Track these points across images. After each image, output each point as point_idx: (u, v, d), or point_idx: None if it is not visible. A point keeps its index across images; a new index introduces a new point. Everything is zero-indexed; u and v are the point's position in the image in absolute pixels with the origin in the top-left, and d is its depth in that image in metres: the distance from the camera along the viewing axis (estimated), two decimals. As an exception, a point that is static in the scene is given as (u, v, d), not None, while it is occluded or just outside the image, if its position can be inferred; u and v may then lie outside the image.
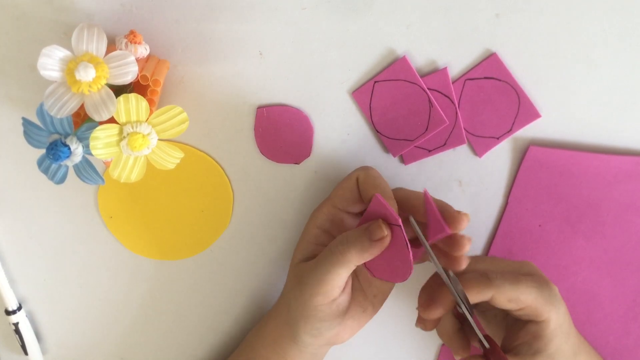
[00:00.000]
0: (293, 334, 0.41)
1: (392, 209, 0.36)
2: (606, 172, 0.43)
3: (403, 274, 0.36)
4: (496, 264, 0.41)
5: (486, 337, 0.38)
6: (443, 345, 0.48)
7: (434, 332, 0.41)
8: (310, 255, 0.41)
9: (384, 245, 0.36)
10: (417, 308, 0.40)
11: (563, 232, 0.44)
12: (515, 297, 0.37)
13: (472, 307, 0.39)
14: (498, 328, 0.42)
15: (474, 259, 0.40)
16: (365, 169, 0.40)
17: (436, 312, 0.39)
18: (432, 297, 0.39)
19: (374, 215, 0.37)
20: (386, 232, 0.36)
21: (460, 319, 0.41)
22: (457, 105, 0.43)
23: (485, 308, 0.43)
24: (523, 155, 0.44)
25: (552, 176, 0.43)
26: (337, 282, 0.37)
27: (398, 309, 0.48)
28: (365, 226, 0.37)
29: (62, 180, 0.37)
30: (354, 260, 0.37)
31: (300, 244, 0.42)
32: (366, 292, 0.41)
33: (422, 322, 0.40)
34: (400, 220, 0.35)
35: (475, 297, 0.37)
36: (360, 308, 0.40)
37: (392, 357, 0.50)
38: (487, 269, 0.40)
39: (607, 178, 0.43)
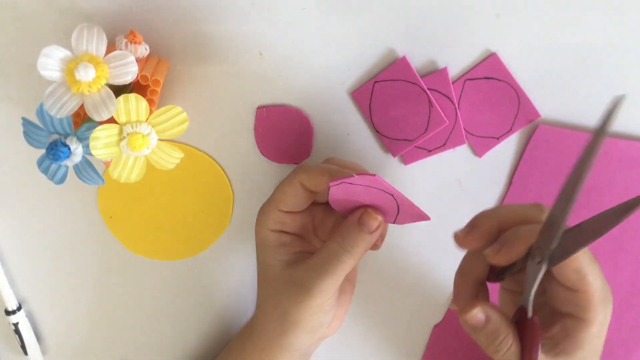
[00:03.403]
0: (289, 341, 0.39)
1: (350, 175, 0.34)
2: (612, 156, 0.42)
3: (420, 214, 0.36)
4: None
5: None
6: (428, 347, 0.48)
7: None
8: (288, 259, 0.39)
9: (383, 230, 0.37)
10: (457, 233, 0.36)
11: None
12: (582, 272, 0.31)
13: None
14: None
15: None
16: (304, 170, 0.38)
17: (475, 236, 0.35)
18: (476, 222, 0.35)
19: (340, 201, 0.37)
20: (379, 217, 0.37)
21: (495, 273, 0.36)
22: (457, 106, 0.43)
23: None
24: (527, 142, 0.43)
25: (558, 156, 0.43)
26: (342, 279, 0.37)
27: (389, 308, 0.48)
28: (355, 220, 0.37)
29: (62, 180, 0.37)
30: (360, 256, 0.37)
31: (266, 251, 0.39)
32: None
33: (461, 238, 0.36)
34: (368, 175, 0.34)
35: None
36: (341, 290, 0.40)
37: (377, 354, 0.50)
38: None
39: (613, 162, 0.42)
